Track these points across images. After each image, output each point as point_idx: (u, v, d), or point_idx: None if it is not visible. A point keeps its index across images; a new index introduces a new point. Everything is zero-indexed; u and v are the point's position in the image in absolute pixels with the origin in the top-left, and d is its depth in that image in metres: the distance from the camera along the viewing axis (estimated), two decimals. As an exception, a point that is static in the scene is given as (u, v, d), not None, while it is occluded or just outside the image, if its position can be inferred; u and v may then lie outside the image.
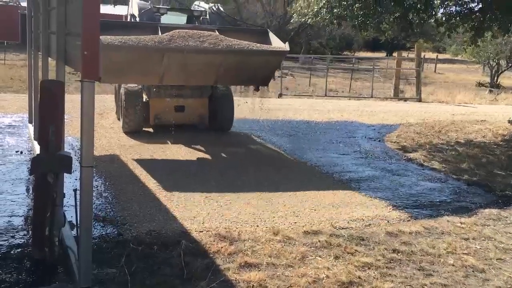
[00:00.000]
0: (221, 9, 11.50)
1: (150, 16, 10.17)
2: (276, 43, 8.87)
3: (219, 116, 10.12)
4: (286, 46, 8.59)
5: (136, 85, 9.54)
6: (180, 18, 10.86)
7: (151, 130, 10.03)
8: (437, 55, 44.01)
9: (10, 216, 5.18)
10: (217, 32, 8.71)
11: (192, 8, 11.58)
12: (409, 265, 4.52)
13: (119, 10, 30.56)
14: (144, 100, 9.72)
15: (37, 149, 5.63)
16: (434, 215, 5.98)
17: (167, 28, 8.66)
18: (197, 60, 8.16)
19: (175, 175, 7.03)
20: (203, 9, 11.07)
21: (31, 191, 5.99)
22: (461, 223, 5.71)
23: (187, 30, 8.39)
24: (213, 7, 11.19)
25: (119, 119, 10.45)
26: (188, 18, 10.82)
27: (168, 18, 10.49)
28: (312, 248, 4.73)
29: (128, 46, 7.62)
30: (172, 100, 9.62)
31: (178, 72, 8.35)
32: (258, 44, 8.56)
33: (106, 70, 7.03)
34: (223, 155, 8.65)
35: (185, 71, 8.34)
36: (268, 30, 9.66)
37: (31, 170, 4.11)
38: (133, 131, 9.53)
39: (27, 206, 5.51)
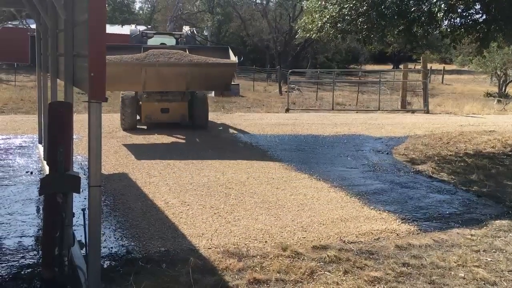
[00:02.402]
0: (195, 32, 16.77)
1: (139, 39, 13.65)
2: (232, 57, 11.80)
3: (196, 115, 12.62)
4: (236, 60, 11.59)
5: (130, 92, 12.11)
6: (171, 40, 14.15)
7: (145, 127, 12.48)
8: (444, 66, 44.00)
9: (21, 237, 5.24)
10: (187, 51, 11.69)
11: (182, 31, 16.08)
12: (419, 279, 4.48)
13: (126, 30, 31.10)
14: (138, 104, 12.29)
15: (47, 169, 5.70)
16: (444, 228, 5.94)
17: (147, 48, 11.66)
18: (168, 71, 11.10)
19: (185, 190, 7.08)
20: (182, 32, 14.79)
21: (41, 211, 6.04)
22: (471, 235, 5.67)
23: (159, 50, 11.37)
24: (188, 31, 15.21)
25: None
26: (176, 40, 14.18)
27: (159, 40, 13.78)
28: (321, 263, 4.72)
29: (112, 63, 9.92)
30: (159, 103, 12.22)
31: (155, 81, 11.22)
32: (214, 59, 11.36)
33: None
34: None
35: (160, 80, 11.23)
36: (228, 47, 12.45)
37: (40, 190, 4.15)
38: (129, 128, 12.01)
39: (37, 226, 5.56)
